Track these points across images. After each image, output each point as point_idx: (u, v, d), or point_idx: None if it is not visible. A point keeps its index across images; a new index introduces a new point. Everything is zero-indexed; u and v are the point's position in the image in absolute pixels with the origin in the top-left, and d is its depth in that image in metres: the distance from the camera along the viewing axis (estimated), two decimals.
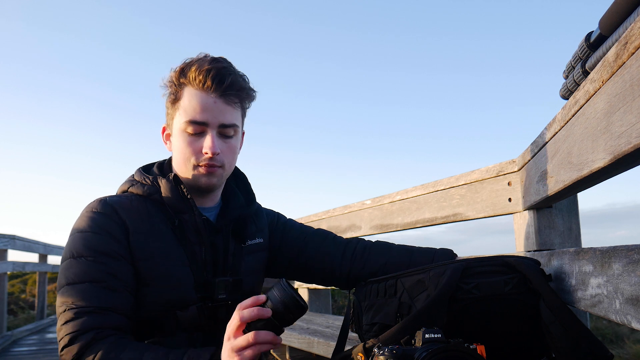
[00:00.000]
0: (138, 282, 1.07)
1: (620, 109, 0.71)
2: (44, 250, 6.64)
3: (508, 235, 1.60)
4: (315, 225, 3.00)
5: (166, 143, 1.21)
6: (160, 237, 1.10)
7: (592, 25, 0.98)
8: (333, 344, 1.86)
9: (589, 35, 1.00)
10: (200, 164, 1.10)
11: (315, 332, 2.16)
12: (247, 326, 0.88)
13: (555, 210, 1.36)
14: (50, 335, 5.27)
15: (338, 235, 1.38)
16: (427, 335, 0.76)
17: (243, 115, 1.18)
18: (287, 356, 2.57)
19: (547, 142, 1.15)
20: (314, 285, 3.08)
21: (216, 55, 1.13)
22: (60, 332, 0.99)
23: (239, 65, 1.17)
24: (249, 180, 1.31)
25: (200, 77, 1.07)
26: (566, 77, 1.13)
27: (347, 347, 1.07)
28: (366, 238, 1.40)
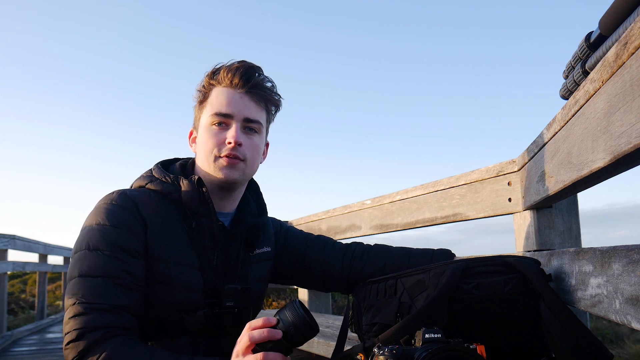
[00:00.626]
0: (148, 280, 1.06)
1: (620, 109, 0.71)
2: (44, 250, 6.64)
3: (508, 235, 1.60)
4: (316, 225, 3.00)
5: (191, 146, 1.22)
6: (175, 238, 1.09)
7: (592, 25, 0.98)
8: (333, 344, 1.86)
9: (589, 35, 1.00)
10: (222, 155, 1.12)
11: None
12: (257, 345, 0.88)
13: (555, 210, 1.36)
14: (50, 335, 5.27)
15: (338, 234, 1.39)
16: (427, 335, 0.76)
17: (268, 120, 1.21)
18: None
19: (547, 142, 1.15)
20: None
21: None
22: (67, 325, 0.97)
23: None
24: (261, 191, 1.32)
25: (229, 75, 1.12)
26: (566, 77, 1.13)
27: (347, 347, 1.07)
28: (366, 238, 1.41)
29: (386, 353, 0.75)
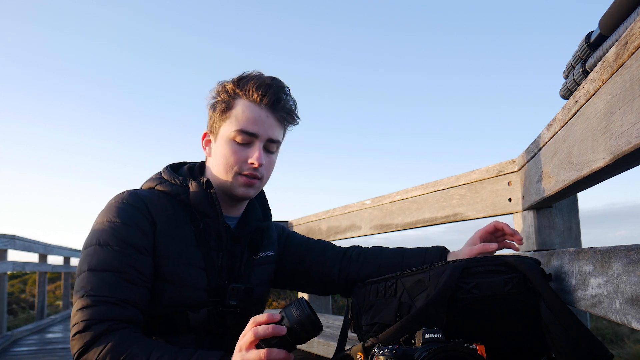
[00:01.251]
0: (155, 278, 1.08)
1: (620, 109, 0.71)
2: (44, 250, 6.64)
3: None
4: (316, 225, 3.00)
5: (205, 149, 1.23)
6: (182, 239, 1.12)
7: (592, 25, 0.98)
8: (333, 344, 1.86)
9: (589, 35, 1.00)
10: (243, 173, 1.13)
11: None
12: (261, 341, 0.88)
13: (555, 210, 1.36)
14: (50, 335, 5.27)
15: (338, 234, 1.41)
16: (427, 335, 0.76)
17: (284, 136, 1.22)
18: None
19: (547, 142, 1.15)
20: None
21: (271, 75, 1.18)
22: (75, 317, 0.99)
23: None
24: (267, 195, 1.34)
25: (259, 91, 1.11)
26: (566, 77, 1.13)
27: (347, 347, 1.07)
28: (366, 238, 1.43)
29: (386, 353, 0.75)
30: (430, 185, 1.91)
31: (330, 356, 1.16)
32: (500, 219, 1.60)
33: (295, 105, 1.19)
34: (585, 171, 0.88)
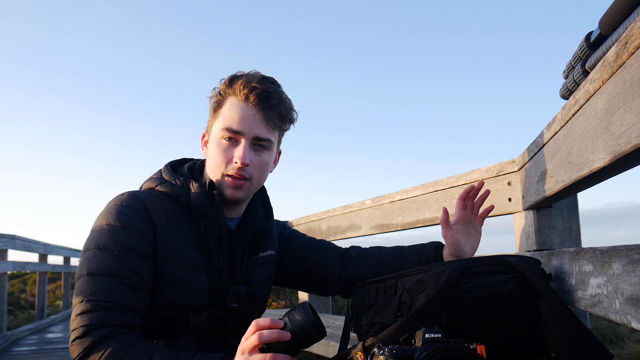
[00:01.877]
0: (155, 282, 1.07)
1: (620, 109, 0.71)
2: (44, 250, 6.64)
3: (508, 235, 1.60)
4: (316, 225, 3.00)
5: (203, 149, 1.22)
6: (183, 241, 1.10)
7: (592, 25, 0.98)
8: (333, 343, 1.86)
9: (589, 35, 1.00)
10: (229, 173, 1.11)
11: None
12: (265, 345, 0.87)
13: (555, 210, 1.36)
14: (50, 335, 5.27)
15: (338, 234, 1.41)
16: (427, 335, 0.76)
17: (281, 135, 1.19)
18: None
19: (547, 142, 1.15)
20: None
21: (267, 75, 1.15)
22: (75, 322, 0.99)
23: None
24: (268, 194, 1.32)
25: (245, 90, 1.09)
26: (566, 77, 1.13)
27: (348, 347, 1.07)
28: (366, 238, 1.43)
29: (386, 353, 0.75)
30: (430, 185, 1.91)
31: (330, 356, 1.16)
32: (500, 219, 1.61)
33: (287, 104, 1.15)
34: (585, 171, 0.88)
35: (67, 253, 8.03)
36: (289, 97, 1.17)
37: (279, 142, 1.21)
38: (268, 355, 0.85)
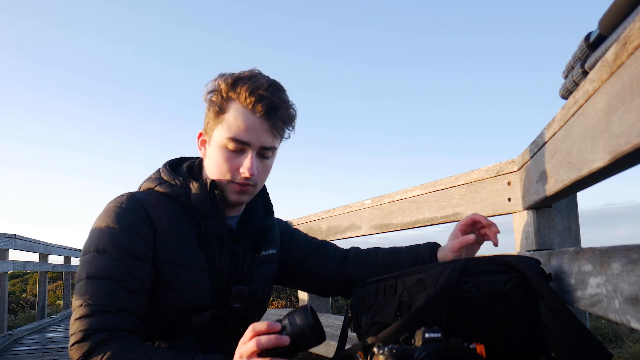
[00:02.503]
0: (156, 283, 1.07)
1: (620, 109, 0.71)
2: (45, 250, 6.64)
3: (508, 235, 1.60)
4: (315, 225, 3.00)
5: (200, 149, 1.19)
6: (183, 241, 1.10)
7: (592, 25, 0.98)
8: (333, 343, 1.86)
9: (589, 35, 1.00)
10: (235, 181, 1.10)
11: None
12: (264, 350, 0.87)
13: (554, 210, 1.36)
14: (50, 335, 5.27)
15: (338, 234, 1.41)
16: (426, 335, 0.76)
17: (282, 138, 1.17)
18: None
19: (546, 142, 1.15)
20: None
21: (268, 75, 1.12)
22: (73, 326, 0.99)
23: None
24: (268, 192, 1.31)
25: (252, 99, 1.05)
26: (565, 77, 1.13)
27: (347, 347, 1.07)
28: (366, 238, 1.43)
29: (386, 352, 0.75)
30: (430, 185, 1.92)
31: (330, 356, 1.16)
32: (500, 219, 1.61)
33: (293, 110, 1.13)
34: (585, 171, 0.88)
35: (67, 253, 8.03)
36: (291, 97, 1.15)
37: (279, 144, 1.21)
38: None
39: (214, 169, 1.12)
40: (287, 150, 1.24)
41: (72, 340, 0.98)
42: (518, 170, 1.46)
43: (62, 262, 7.90)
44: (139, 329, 1.03)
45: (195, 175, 1.20)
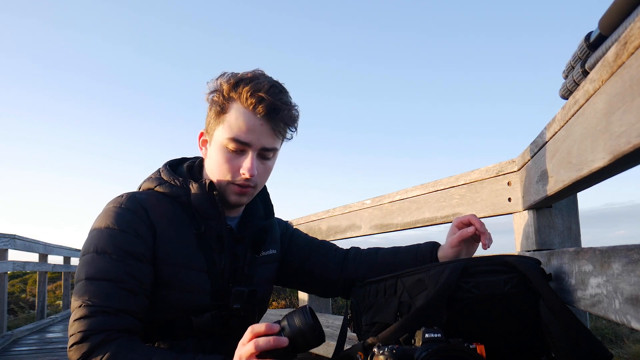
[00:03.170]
0: (156, 284, 1.06)
1: (620, 109, 0.71)
2: (44, 250, 6.64)
3: (508, 235, 1.60)
4: (315, 225, 3.00)
5: (201, 149, 1.19)
6: (183, 242, 1.09)
7: (592, 25, 0.98)
8: (333, 343, 1.86)
9: (589, 35, 1.00)
10: (235, 182, 1.10)
11: None
12: (263, 352, 0.86)
13: (555, 210, 1.36)
14: (50, 335, 5.27)
15: (338, 234, 1.40)
16: (426, 335, 0.76)
17: (284, 139, 1.17)
18: None
19: (546, 142, 1.15)
20: None
21: (271, 77, 1.11)
22: (72, 327, 0.98)
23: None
24: (268, 192, 1.31)
25: (253, 100, 1.05)
26: (566, 77, 1.13)
27: (347, 347, 1.07)
28: (366, 238, 1.43)
29: (386, 353, 0.75)
30: (430, 185, 1.91)
31: (330, 356, 1.16)
32: (500, 219, 1.61)
33: (295, 112, 1.12)
34: (585, 171, 0.88)
35: (67, 253, 8.03)
36: (293, 98, 1.14)
37: (280, 145, 1.21)
38: None
39: (215, 169, 1.12)
40: (287, 151, 1.24)
41: (71, 341, 0.98)
42: (518, 170, 1.46)
43: (61, 262, 7.90)
44: (138, 329, 1.03)
45: (195, 175, 1.20)
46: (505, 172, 1.52)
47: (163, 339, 1.09)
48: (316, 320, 0.88)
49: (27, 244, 5.73)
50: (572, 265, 0.97)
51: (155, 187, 1.14)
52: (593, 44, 0.98)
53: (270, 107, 1.05)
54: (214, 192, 1.11)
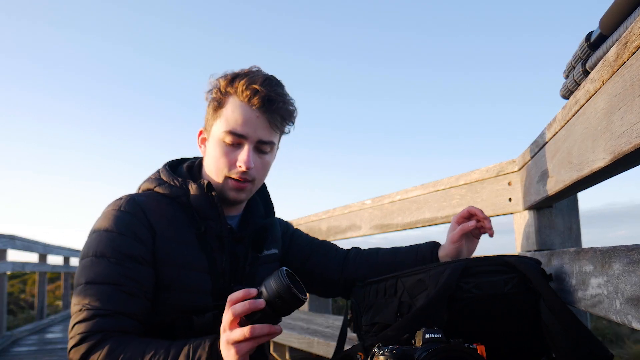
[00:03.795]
0: (157, 286, 1.06)
1: (621, 109, 0.71)
2: (44, 250, 6.64)
3: (508, 235, 1.60)
4: (316, 225, 3.00)
5: (201, 147, 1.20)
6: (184, 243, 1.09)
7: (593, 25, 0.98)
8: (333, 344, 1.86)
9: (590, 34, 1.00)
10: (232, 176, 1.10)
11: (315, 332, 2.15)
12: (245, 317, 0.86)
13: (555, 210, 1.36)
14: (49, 335, 5.27)
15: (338, 234, 1.40)
16: (427, 335, 0.76)
17: (281, 134, 1.17)
18: (287, 356, 2.56)
19: (547, 142, 1.15)
20: None
21: (267, 72, 1.12)
22: (72, 330, 1.00)
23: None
24: (268, 190, 1.31)
25: (248, 92, 1.06)
26: (566, 77, 1.13)
27: (347, 347, 1.07)
28: (366, 238, 1.43)
29: (386, 353, 0.74)
30: (431, 185, 1.91)
31: (330, 356, 1.16)
32: (501, 219, 1.61)
33: (291, 105, 1.13)
34: (586, 171, 0.88)
35: (66, 253, 8.03)
36: (291, 95, 1.15)
37: (279, 140, 1.21)
38: (246, 328, 0.83)
39: (212, 163, 1.12)
40: (287, 150, 1.24)
41: (70, 343, 0.99)
42: (519, 170, 1.46)
43: (61, 263, 7.90)
44: (137, 331, 1.03)
45: (195, 175, 1.20)
46: (505, 172, 1.52)
47: (164, 338, 1.09)
48: (294, 279, 0.86)
49: (26, 244, 5.73)
50: (573, 265, 0.97)
51: (155, 187, 1.15)
52: (594, 43, 0.98)
53: (265, 99, 1.06)
54: (212, 193, 1.11)
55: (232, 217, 1.21)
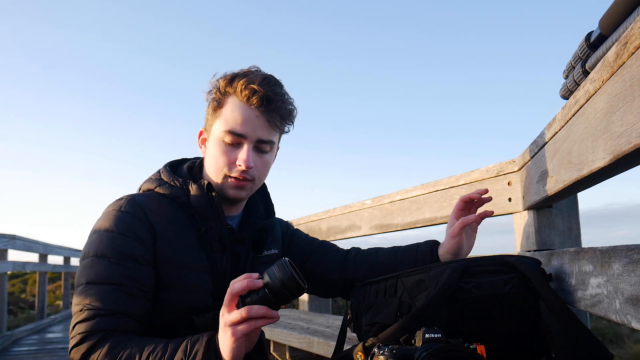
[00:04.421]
0: (157, 286, 1.07)
1: (620, 109, 0.71)
2: (44, 250, 6.64)
3: (508, 235, 1.60)
4: (316, 225, 3.00)
5: (201, 147, 1.20)
6: (184, 243, 1.10)
7: (592, 25, 0.98)
8: (333, 344, 1.86)
9: (589, 35, 1.00)
10: (231, 175, 1.11)
11: (315, 332, 2.15)
12: (242, 301, 0.86)
13: (555, 210, 1.36)
14: (50, 335, 5.27)
15: (338, 234, 1.40)
16: (427, 335, 0.76)
17: (281, 133, 1.18)
18: (287, 356, 2.57)
19: (547, 142, 1.15)
20: None
21: (266, 72, 1.13)
22: (73, 330, 1.00)
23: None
24: (269, 190, 1.31)
25: (247, 92, 1.07)
26: (566, 77, 1.13)
27: (347, 347, 1.07)
28: (366, 238, 1.43)
29: (386, 353, 0.75)
30: (431, 185, 1.91)
31: (330, 356, 1.16)
32: (500, 219, 1.61)
33: (290, 104, 1.13)
34: (585, 171, 0.88)
35: (67, 253, 8.03)
36: (291, 95, 1.15)
37: (279, 140, 1.21)
38: (243, 309, 0.84)
39: (212, 163, 1.13)
40: (287, 150, 1.24)
41: (71, 343, 1.00)
42: (518, 170, 1.46)
43: (61, 263, 7.90)
44: (138, 331, 1.04)
45: (195, 176, 1.20)
46: (505, 172, 1.52)
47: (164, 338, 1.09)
48: (295, 269, 0.88)
49: (27, 244, 5.74)
50: (573, 265, 0.97)
51: (155, 188, 1.15)
52: (593, 43, 0.98)
53: (264, 98, 1.07)
54: (212, 193, 1.11)
55: (232, 217, 1.21)
